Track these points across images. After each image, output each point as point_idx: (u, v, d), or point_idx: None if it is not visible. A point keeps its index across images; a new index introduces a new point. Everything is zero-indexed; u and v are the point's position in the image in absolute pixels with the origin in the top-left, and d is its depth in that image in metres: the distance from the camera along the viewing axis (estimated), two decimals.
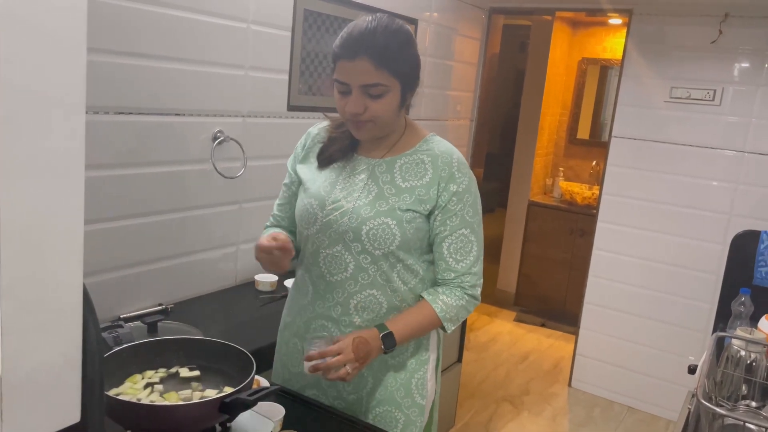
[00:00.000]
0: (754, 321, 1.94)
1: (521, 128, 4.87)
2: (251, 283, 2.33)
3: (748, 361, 1.61)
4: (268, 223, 1.62)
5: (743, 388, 1.61)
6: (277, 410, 1.34)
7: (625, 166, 3.46)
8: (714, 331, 2.07)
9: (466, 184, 1.39)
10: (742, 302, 1.99)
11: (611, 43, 4.84)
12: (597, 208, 3.60)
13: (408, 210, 1.36)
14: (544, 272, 4.73)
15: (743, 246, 2.23)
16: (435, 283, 1.45)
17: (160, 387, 1.24)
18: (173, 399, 1.20)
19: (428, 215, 1.38)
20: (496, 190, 6.35)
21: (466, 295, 1.42)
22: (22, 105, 0.59)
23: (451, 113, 3.63)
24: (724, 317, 2.11)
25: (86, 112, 0.66)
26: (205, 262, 2.18)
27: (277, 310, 2.06)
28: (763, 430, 1.38)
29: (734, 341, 1.66)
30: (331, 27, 2.53)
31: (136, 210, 1.90)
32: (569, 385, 3.78)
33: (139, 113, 1.85)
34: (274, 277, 2.29)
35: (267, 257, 1.37)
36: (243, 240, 2.32)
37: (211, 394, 1.22)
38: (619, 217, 3.51)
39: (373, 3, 2.72)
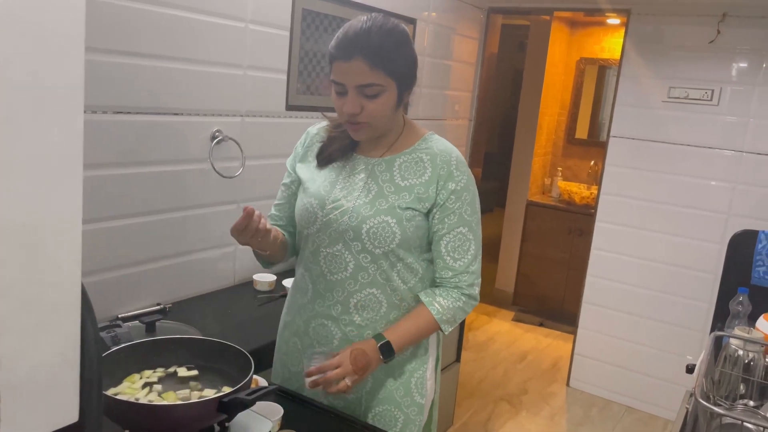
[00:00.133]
0: (752, 320, 1.94)
1: (520, 128, 4.88)
2: (250, 283, 2.33)
3: (746, 361, 1.61)
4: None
5: (741, 387, 1.61)
6: (276, 410, 1.34)
7: (623, 165, 3.47)
8: (712, 330, 2.07)
9: (464, 182, 1.39)
10: (740, 302, 2.00)
11: (609, 43, 4.84)
12: (595, 207, 3.61)
13: (407, 208, 1.36)
14: (543, 272, 4.73)
15: (741, 246, 2.24)
16: (434, 283, 1.46)
17: (158, 387, 1.23)
18: (171, 399, 1.20)
19: (427, 213, 1.39)
20: (495, 190, 6.36)
21: (463, 296, 1.42)
22: (21, 104, 0.58)
23: (450, 113, 3.63)
24: (722, 317, 2.11)
25: (85, 112, 0.66)
26: (203, 262, 2.18)
27: (276, 310, 2.07)
28: (761, 429, 1.38)
29: (732, 340, 1.66)
30: (330, 26, 2.52)
31: (134, 209, 1.90)
32: (567, 384, 3.78)
33: (138, 113, 1.85)
34: (273, 277, 2.29)
35: (242, 234, 1.33)
36: None
37: (210, 393, 1.22)
38: (617, 216, 3.51)
39: (371, 2, 2.72)
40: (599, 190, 3.57)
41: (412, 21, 3.06)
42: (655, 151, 3.36)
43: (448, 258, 1.40)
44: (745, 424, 1.37)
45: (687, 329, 3.35)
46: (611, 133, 3.49)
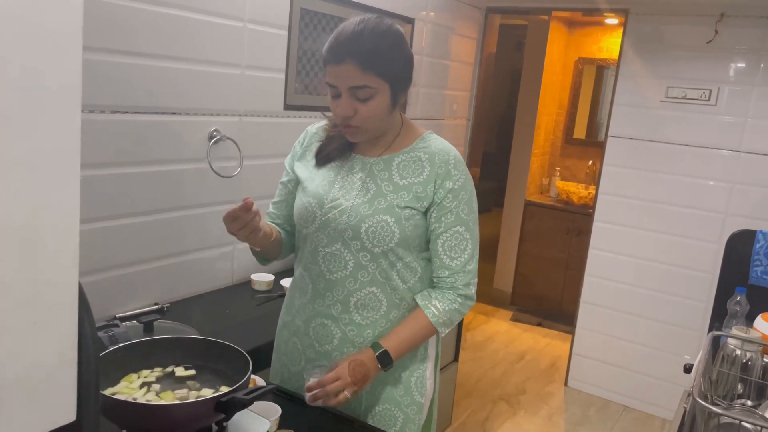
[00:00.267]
0: (749, 320, 1.94)
1: (518, 128, 4.88)
2: (248, 283, 2.33)
3: (744, 360, 1.61)
4: (265, 219, 1.63)
5: (739, 387, 1.61)
6: (274, 409, 1.34)
7: (621, 165, 3.47)
8: (710, 330, 2.08)
9: (462, 181, 1.39)
10: (738, 301, 2.00)
11: (607, 43, 4.85)
12: (593, 207, 3.61)
13: (406, 207, 1.36)
14: (541, 272, 4.73)
15: (739, 245, 2.24)
16: (432, 282, 1.46)
17: (156, 386, 1.23)
18: (169, 398, 1.20)
19: (425, 212, 1.39)
20: (493, 190, 6.37)
21: (459, 297, 1.42)
22: (18, 103, 0.58)
23: (448, 113, 3.63)
24: (719, 316, 2.11)
25: (82, 111, 0.66)
26: (201, 262, 2.18)
27: (274, 310, 2.07)
28: (759, 428, 1.38)
29: (730, 340, 1.66)
30: (328, 26, 2.52)
31: (132, 209, 1.90)
32: (565, 384, 3.79)
33: (136, 112, 1.85)
34: (271, 277, 2.29)
35: (233, 223, 1.34)
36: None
37: (208, 393, 1.22)
38: (615, 216, 3.51)
39: (370, 2, 2.72)
40: (597, 189, 3.57)
41: (410, 21, 3.06)
42: (653, 150, 3.36)
43: (445, 257, 1.40)
44: (743, 423, 1.37)
45: (685, 329, 3.35)
46: (609, 133, 3.49)
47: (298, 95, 2.46)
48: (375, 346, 1.38)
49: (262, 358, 1.67)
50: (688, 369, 1.98)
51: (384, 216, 1.36)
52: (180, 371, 1.28)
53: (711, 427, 1.41)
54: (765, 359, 1.65)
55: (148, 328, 1.69)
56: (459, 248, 1.40)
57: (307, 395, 1.35)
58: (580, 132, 5.10)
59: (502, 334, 4.46)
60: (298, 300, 1.50)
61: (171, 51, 1.91)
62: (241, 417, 1.24)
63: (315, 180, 1.46)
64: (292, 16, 2.34)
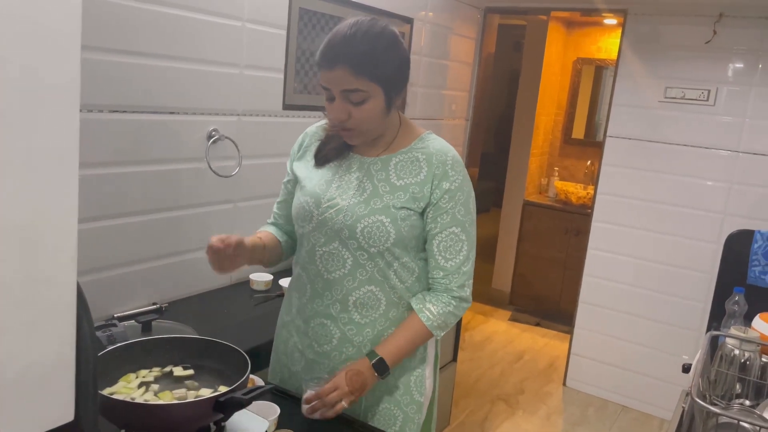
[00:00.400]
0: (747, 320, 1.95)
1: (516, 128, 4.88)
2: (246, 283, 2.32)
3: (742, 360, 1.61)
4: (269, 221, 1.65)
5: (737, 386, 1.61)
6: (272, 409, 1.34)
7: (619, 165, 3.47)
8: (708, 330, 2.08)
9: (459, 182, 1.39)
10: (736, 301, 2.00)
11: (606, 43, 4.85)
12: (592, 207, 3.61)
13: (402, 208, 1.36)
14: (539, 272, 4.73)
15: (737, 245, 2.24)
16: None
17: (154, 386, 1.23)
18: (168, 398, 1.20)
19: (422, 213, 1.38)
20: (492, 190, 6.37)
21: (453, 300, 1.41)
22: (16, 103, 0.58)
23: (447, 113, 3.63)
24: (718, 316, 2.11)
25: (81, 110, 0.65)
26: (199, 261, 2.18)
27: (272, 309, 2.07)
28: (757, 428, 1.38)
29: (728, 340, 1.66)
30: (327, 25, 2.52)
31: (130, 208, 1.90)
32: (564, 384, 3.79)
33: (134, 111, 1.84)
34: (269, 277, 2.29)
35: (213, 256, 1.38)
36: None
37: (206, 393, 1.21)
38: (613, 216, 3.52)
39: (368, 2, 2.72)
40: (596, 189, 3.57)
41: (408, 20, 3.06)
42: (651, 151, 3.37)
43: (440, 258, 1.40)
44: (741, 423, 1.37)
45: (683, 329, 3.36)
46: (608, 133, 3.49)
47: (296, 95, 2.45)
48: (371, 354, 1.38)
49: (260, 358, 1.67)
50: (686, 369, 1.98)
51: (380, 216, 1.35)
52: (178, 371, 1.28)
53: (709, 427, 1.41)
54: (763, 359, 1.65)
55: (147, 327, 1.69)
56: (454, 249, 1.39)
57: (305, 407, 1.36)
58: (578, 132, 5.10)
59: (500, 334, 4.47)
60: (296, 300, 1.50)
61: (170, 50, 1.90)
62: (239, 417, 1.24)
63: (313, 179, 1.46)
64: (291, 16, 2.34)
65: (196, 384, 1.26)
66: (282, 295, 2.17)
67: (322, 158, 1.47)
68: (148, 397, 1.19)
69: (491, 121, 6.52)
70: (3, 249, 0.59)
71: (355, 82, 1.28)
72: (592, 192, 3.86)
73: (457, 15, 3.54)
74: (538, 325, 4.68)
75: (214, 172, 2.11)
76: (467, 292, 1.42)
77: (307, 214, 1.43)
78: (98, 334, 1.56)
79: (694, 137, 3.24)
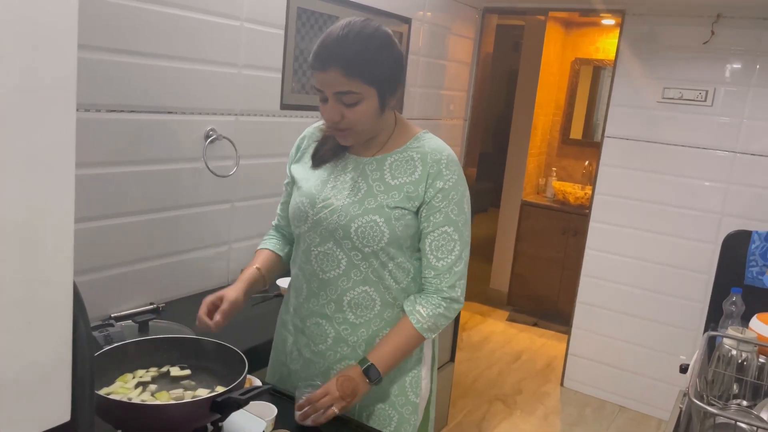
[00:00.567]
0: (745, 320, 1.95)
1: (514, 128, 4.88)
2: None
3: (740, 360, 1.62)
4: (273, 222, 1.66)
5: (734, 387, 1.62)
6: (270, 410, 1.34)
7: (617, 166, 3.47)
8: (705, 330, 2.08)
9: (453, 182, 1.38)
10: (734, 302, 2.00)
11: (604, 44, 4.85)
12: (589, 207, 3.61)
13: (396, 207, 1.36)
14: (537, 272, 4.74)
15: (735, 246, 2.25)
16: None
17: (151, 386, 1.23)
18: (164, 398, 1.19)
19: (417, 212, 1.38)
20: (489, 190, 6.37)
21: (443, 301, 1.40)
22: (13, 102, 0.58)
23: (445, 113, 3.63)
24: (715, 316, 2.12)
25: (78, 110, 0.65)
26: (197, 261, 2.18)
27: (269, 310, 2.06)
28: (755, 428, 1.38)
29: (725, 340, 1.67)
30: (325, 25, 2.52)
31: (127, 208, 1.89)
32: (561, 384, 3.79)
33: (131, 111, 1.84)
34: None
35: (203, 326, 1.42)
36: (235, 239, 2.31)
37: (203, 393, 1.21)
38: (611, 216, 3.52)
39: (366, 2, 2.71)
40: (593, 190, 3.57)
41: (407, 20, 3.06)
42: (649, 151, 3.37)
43: (432, 257, 1.39)
44: (738, 423, 1.37)
45: (681, 329, 3.36)
46: (606, 134, 3.50)
47: (294, 95, 2.45)
48: (362, 361, 1.38)
49: (258, 358, 1.66)
50: (683, 369, 1.99)
51: (373, 216, 1.35)
52: (175, 371, 1.28)
53: (707, 427, 1.41)
54: (760, 359, 1.65)
55: (144, 327, 1.68)
56: (446, 249, 1.39)
57: (297, 414, 1.36)
58: (576, 132, 5.11)
59: (498, 335, 4.47)
60: (294, 299, 1.51)
61: (168, 50, 1.90)
62: (236, 417, 1.24)
63: (309, 180, 1.46)
64: (288, 16, 2.34)
65: (193, 384, 1.26)
66: (280, 296, 2.17)
67: (318, 159, 1.48)
68: (145, 398, 1.19)
69: (489, 121, 6.52)
70: None
71: (347, 84, 1.28)
72: (589, 192, 3.86)
73: (456, 15, 3.54)
74: (535, 325, 4.68)
75: (212, 171, 2.11)
76: (458, 292, 1.41)
77: (302, 214, 1.43)
78: (95, 334, 1.56)
79: (691, 138, 3.25)
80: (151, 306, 1.97)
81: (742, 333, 1.71)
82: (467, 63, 3.78)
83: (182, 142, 2.02)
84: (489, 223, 5.33)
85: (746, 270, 2.21)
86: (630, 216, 3.46)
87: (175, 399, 1.19)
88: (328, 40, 1.29)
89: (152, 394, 1.21)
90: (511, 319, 4.75)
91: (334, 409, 1.34)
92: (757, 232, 2.22)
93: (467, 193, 1.42)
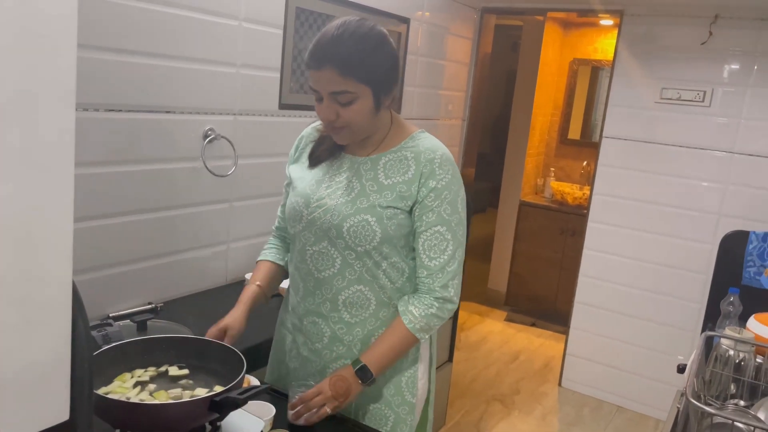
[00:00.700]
0: (742, 320, 1.95)
1: (513, 128, 4.89)
2: (242, 282, 2.32)
3: (737, 361, 1.62)
4: (275, 225, 1.67)
5: (732, 387, 1.62)
6: (268, 409, 1.34)
7: (615, 166, 3.48)
8: (703, 330, 2.09)
9: (446, 181, 1.37)
10: (731, 302, 2.01)
11: (602, 44, 4.86)
12: (587, 208, 3.62)
13: (388, 207, 1.36)
14: (535, 272, 4.74)
15: (732, 246, 2.25)
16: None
17: (150, 386, 1.23)
18: (163, 398, 1.19)
19: (410, 211, 1.38)
20: (488, 190, 6.37)
21: (435, 301, 1.39)
22: (12, 101, 0.58)
23: (443, 113, 3.63)
24: (713, 317, 2.12)
25: (76, 109, 0.65)
26: (195, 261, 2.18)
27: (268, 309, 2.06)
28: (752, 428, 1.38)
29: (723, 341, 1.67)
30: (323, 25, 2.50)
31: (126, 208, 1.89)
32: (559, 384, 3.79)
33: (130, 110, 1.84)
34: None
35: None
36: (233, 238, 2.31)
37: (201, 392, 1.21)
38: (609, 217, 3.52)
39: (365, 2, 2.71)
40: (591, 190, 3.58)
41: (405, 20, 3.06)
42: (647, 151, 3.37)
43: (424, 256, 1.39)
44: (735, 423, 1.38)
45: (678, 329, 3.37)
46: (604, 134, 3.50)
47: (293, 94, 2.45)
48: (355, 362, 1.38)
49: (256, 358, 1.66)
50: (681, 369, 1.99)
51: (365, 215, 1.35)
52: (174, 370, 1.28)
53: (704, 427, 1.41)
54: (758, 359, 1.66)
55: (142, 327, 1.68)
56: (439, 248, 1.38)
57: (290, 413, 1.36)
58: (574, 133, 5.11)
59: (496, 335, 4.47)
60: (292, 298, 1.52)
61: (166, 49, 1.90)
62: (235, 417, 1.24)
63: (305, 180, 1.47)
64: (287, 15, 2.34)
65: (191, 383, 1.26)
66: (278, 295, 2.17)
67: (315, 159, 1.48)
68: (144, 397, 1.19)
69: (488, 121, 6.52)
70: None
71: (342, 83, 1.28)
72: (588, 192, 3.86)
73: (454, 15, 3.54)
74: (533, 325, 4.69)
75: (210, 171, 2.11)
76: (451, 292, 1.40)
77: (297, 214, 1.43)
78: (93, 333, 1.55)
79: (689, 138, 3.25)
80: (150, 305, 1.97)
81: (739, 333, 1.71)
82: (466, 63, 3.78)
83: (180, 142, 2.02)
84: (487, 223, 5.33)
85: (744, 270, 2.21)
86: (628, 216, 3.46)
87: (173, 398, 1.19)
88: (323, 39, 1.30)
89: (150, 394, 1.21)
90: (509, 319, 4.75)
91: (327, 409, 1.34)
92: (754, 232, 2.22)
93: (462, 193, 1.41)
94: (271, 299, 2.15)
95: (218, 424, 1.22)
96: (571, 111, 5.09)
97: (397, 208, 1.36)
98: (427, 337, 1.43)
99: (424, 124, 3.41)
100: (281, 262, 1.60)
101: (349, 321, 1.42)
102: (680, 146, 3.28)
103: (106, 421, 1.12)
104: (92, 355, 0.74)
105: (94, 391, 1.03)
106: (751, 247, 2.21)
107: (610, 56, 4.00)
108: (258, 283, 1.55)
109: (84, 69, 1.68)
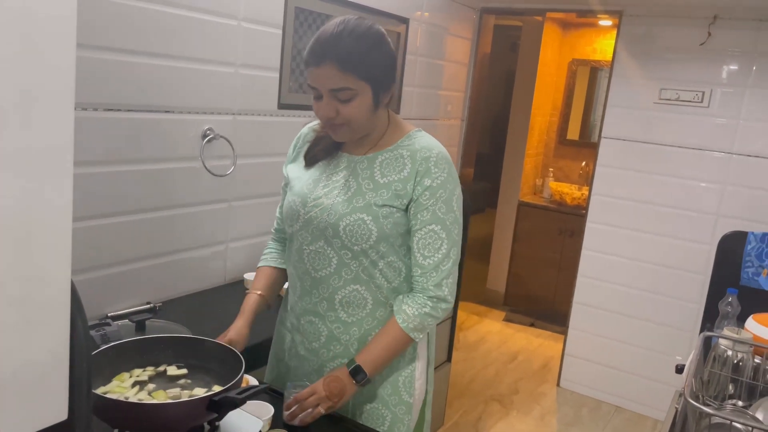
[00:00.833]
0: (741, 321, 1.96)
1: (511, 128, 4.89)
2: (240, 282, 2.32)
3: (735, 361, 1.62)
4: (274, 226, 1.66)
5: (730, 387, 1.62)
6: (266, 409, 1.34)
7: (614, 166, 3.48)
8: (701, 330, 2.09)
9: (442, 180, 1.36)
10: (729, 302, 2.01)
11: (601, 45, 4.86)
12: (586, 208, 3.62)
13: (384, 205, 1.36)
14: (534, 272, 4.74)
15: (731, 246, 2.25)
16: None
17: (148, 385, 1.23)
18: (161, 397, 1.19)
19: (406, 210, 1.38)
20: (487, 190, 6.36)
21: (429, 301, 1.38)
22: (11, 101, 0.58)
23: (442, 113, 3.63)
24: (711, 317, 2.12)
25: (75, 109, 0.65)
26: (194, 261, 2.17)
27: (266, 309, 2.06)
28: (750, 429, 1.39)
29: (721, 341, 1.67)
30: (322, 25, 2.51)
31: (125, 207, 1.89)
32: (558, 384, 3.80)
33: (129, 110, 1.84)
34: None
35: None
36: (232, 238, 2.31)
37: (200, 392, 1.21)
38: (608, 217, 3.53)
39: (364, 2, 2.71)
40: (590, 190, 3.58)
41: (404, 21, 3.06)
42: (645, 152, 3.38)
43: (419, 255, 1.38)
44: (734, 424, 1.38)
45: (677, 329, 3.37)
46: (602, 134, 3.50)
47: (292, 94, 2.45)
48: (350, 362, 1.38)
49: (255, 358, 1.66)
50: (679, 369, 1.99)
51: (361, 214, 1.35)
52: (172, 370, 1.28)
53: (702, 428, 1.41)
54: (756, 360, 1.66)
55: (140, 326, 1.68)
56: (433, 247, 1.37)
57: (285, 413, 1.36)
58: (573, 133, 5.12)
59: (494, 335, 4.47)
60: (291, 297, 1.52)
61: (165, 49, 1.90)
62: (233, 416, 1.24)
63: (302, 179, 1.47)
64: (286, 15, 2.34)
65: (190, 383, 1.26)
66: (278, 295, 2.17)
67: (311, 158, 1.48)
68: (142, 397, 1.19)
69: (486, 121, 6.52)
70: None
71: (342, 80, 1.29)
72: (586, 193, 3.87)
73: (453, 15, 3.54)
74: (532, 325, 4.69)
75: (209, 171, 2.11)
76: (445, 291, 1.39)
77: (294, 213, 1.44)
78: (92, 333, 1.56)
79: (688, 139, 3.26)
80: (148, 305, 1.97)
81: (737, 333, 1.71)
82: (465, 63, 3.78)
83: (179, 142, 2.02)
84: (486, 224, 5.33)
85: (742, 271, 2.22)
86: (626, 216, 3.46)
87: (172, 398, 1.19)
88: (323, 37, 1.30)
89: (149, 394, 1.21)
90: (507, 320, 4.75)
91: (320, 409, 1.34)
92: (752, 233, 2.23)
93: (457, 192, 1.40)
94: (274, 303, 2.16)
95: (217, 423, 1.22)
96: (569, 111, 5.10)
97: (393, 207, 1.36)
98: (421, 336, 1.42)
99: (423, 124, 3.41)
100: (282, 266, 1.60)
101: (346, 320, 1.42)
102: (679, 147, 3.28)
103: (105, 420, 1.12)
104: (91, 355, 0.74)
105: (93, 391, 1.03)
106: (749, 247, 2.21)
107: (609, 57, 4.00)
108: (259, 292, 1.55)
109: (83, 68, 1.68)
